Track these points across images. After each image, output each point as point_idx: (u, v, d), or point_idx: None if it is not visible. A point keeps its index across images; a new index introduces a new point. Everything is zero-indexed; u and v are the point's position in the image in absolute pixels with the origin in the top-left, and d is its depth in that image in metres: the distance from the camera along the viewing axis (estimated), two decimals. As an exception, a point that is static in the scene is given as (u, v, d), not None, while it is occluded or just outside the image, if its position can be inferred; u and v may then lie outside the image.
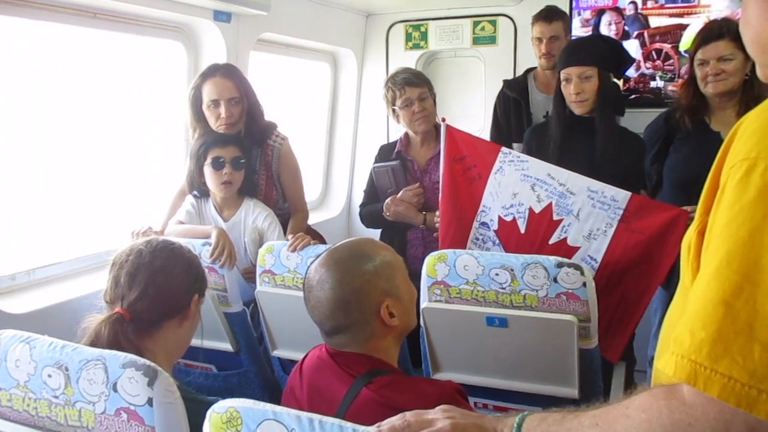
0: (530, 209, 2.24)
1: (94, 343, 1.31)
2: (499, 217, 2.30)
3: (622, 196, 2.13)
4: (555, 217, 2.21)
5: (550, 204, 2.21)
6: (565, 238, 2.20)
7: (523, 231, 2.26)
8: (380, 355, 1.37)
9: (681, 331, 0.72)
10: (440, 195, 2.38)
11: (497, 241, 2.31)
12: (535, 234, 2.24)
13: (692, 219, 2.04)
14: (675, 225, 2.08)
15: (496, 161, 2.30)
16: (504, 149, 2.33)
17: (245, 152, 2.49)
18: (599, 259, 2.15)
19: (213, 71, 2.52)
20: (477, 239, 2.35)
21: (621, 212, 2.12)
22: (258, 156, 2.65)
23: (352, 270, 1.36)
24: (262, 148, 2.66)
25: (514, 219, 2.27)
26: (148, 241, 1.49)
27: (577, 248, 2.19)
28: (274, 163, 2.67)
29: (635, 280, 2.14)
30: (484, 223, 2.34)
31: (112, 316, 1.37)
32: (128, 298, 1.40)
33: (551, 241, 2.22)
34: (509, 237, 2.29)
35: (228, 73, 2.52)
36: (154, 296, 1.40)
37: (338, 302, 1.34)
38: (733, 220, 0.72)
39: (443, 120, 2.42)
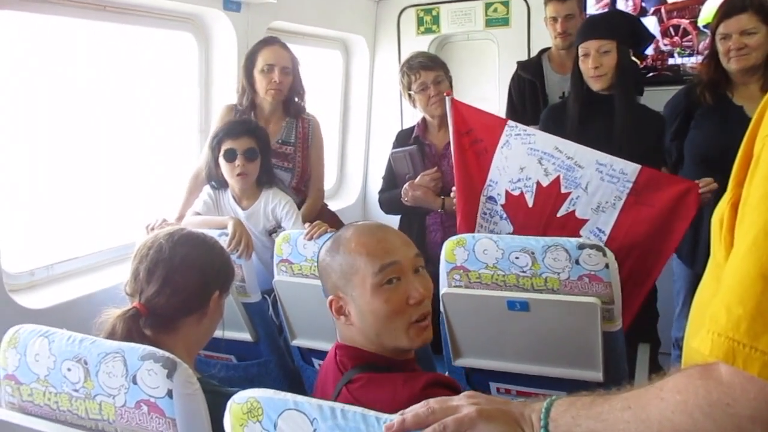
0: (538, 183, 2.22)
1: (109, 338, 1.30)
2: (507, 192, 2.29)
3: (632, 168, 2.10)
4: (563, 191, 2.19)
5: (558, 177, 2.19)
6: (574, 211, 2.19)
7: (530, 205, 2.25)
8: (365, 347, 1.27)
9: (717, 308, 0.69)
10: (454, 169, 2.37)
11: (504, 216, 2.31)
12: (543, 208, 2.23)
13: (705, 192, 2.03)
14: (685, 198, 2.06)
15: (502, 135, 2.28)
16: (510, 122, 2.31)
17: (261, 142, 2.49)
18: (608, 232, 2.14)
19: (272, 40, 2.71)
20: (485, 213, 2.34)
21: (630, 185, 2.10)
22: (293, 127, 2.78)
23: (323, 251, 1.33)
24: (297, 121, 2.78)
25: (522, 193, 2.26)
26: (171, 234, 1.44)
27: (585, 221, 2.17)
28: (310, 136, 2.80)
29: (644, 255, 2.12)
30: (491, 197, 2.33)
31: (128, 311, 1.35)
32: (146, 293, 1.38)
33: (559, 214, 2.21)
34: (517, 211, 2.28)
35: (285, 45, 2.71)
36: (171, 294, 1.38)
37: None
38: None
39: (447, 94, 2.39)
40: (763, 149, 0.72)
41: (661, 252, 2.09)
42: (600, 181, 2.13)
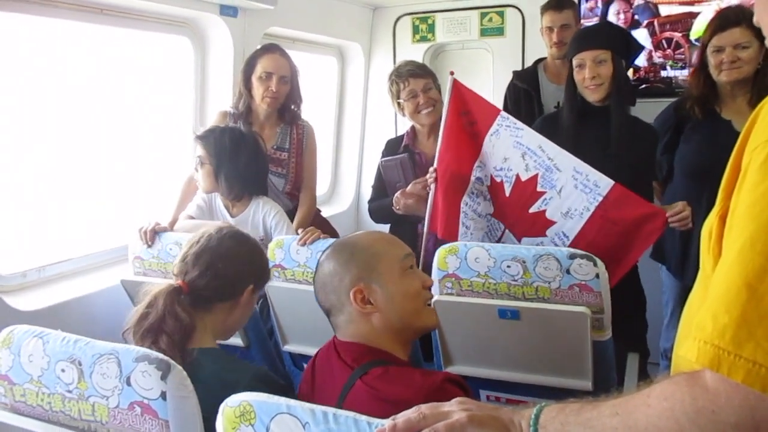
0: (517, 176, 2.26)
1: (150, 305, 1.46)
2: (491, 176, 2.33)
3: (605, 183, 2.13)
4: (539, 189, 2.23)
5: (536, 175, 2.23)
6: (544, 211, 2.22)
7: (507, 194, 2.29)
8: (377, 344, 1.35)
9: (703, 316, 0.71)
10: (438, 144, 2.37)
11: (488, 197, 2.35)
12: (518, 200, 2.27)
13: (675, 221, 2.06)
14: (650, 223, 2.09)
15: (494, 123, 2.32)
16: (503, 113, 2.34)
17: (210, 151, 2.43)
18: (571, 237, 2.17)
19: (273, 48, 2.71)
20: (473, 192, 2.36)
21: (600, 198, 2.13)
22: (288, 134, 2.79)
23: (333, 254, 1.42)
24: (292, 127, 2.80)
25: (501, 182, 2.30)
26: (220, 228, 1.63)
27: (553, 222, 2.21)
28: (304, 142, 2.81)
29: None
30: (479, 178, 2.36)
31: (172, 286, 1.51)
32: (190, 275, 1.54)
33: (531, 210, 2.24)
34: (496, 197, 2.33)
35: (285, 54, 2.72)
36: (212, 278, 1.53)
37: (318, 283, 1.43)
38: (756, 202, 0.70)
39: (451, 73, 2.41)
40: (750, 162, 0.73)
41: (614, 272, 2.06)
42: (573, 188, 2.17)
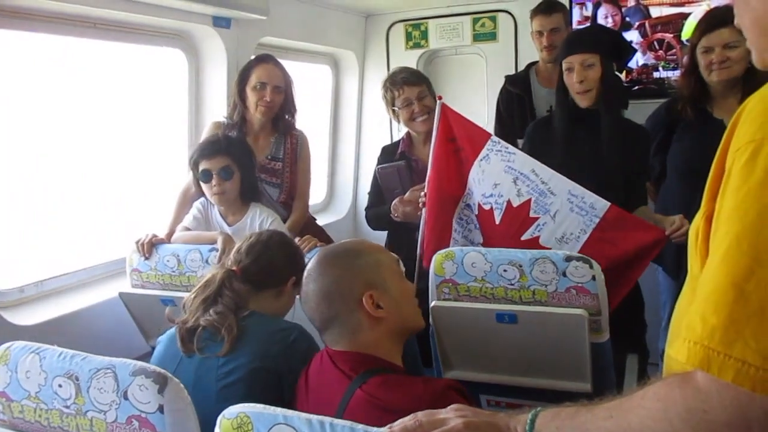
0: (508, 202, 2.24)
1: (208, 281, 1.70)
2: (479, 204, 2.31)
3: (601, 204, 2.12)
4: (531, 215, 2.21)
5: (529, 200, 2.20)
6: (538, 237, 2.20)
7: (497, 222, 2.27)
8: (377, 352, 1.35)
9: (692, 317, 0.71)
10: (429, 171, 2.36)
11: (477, 225, 2.33)
12: (509, 227, 2.24)
13: (676, 236, 2.05)
14: (647, 242, 2.08)
15: (483, 148, 2.30)
16: (494, 138, 2.32)
17: (237, 159, 2.45)
18: None
19: (267, 58, 2.75)
20: (461, 219, 2.36)
21: (597, 220, 2.12)
22: (282, 143, 2.81)
23: (334, 262, 1.41)
24: (286, 137, 2.81)
25: (491, 209, 2.28)
26: (270, 230, 2.00)
27: (547, 249, 2.17)
28: (298, 152, 2.83)
29: None
30: (468, 205, 2.35)
31: (227, 268, 1.75)
32: (243, 262, 1.77)
33: (524, 237, 2.22)
34: (485, 226, 2.31)
35: (279, 64, 2.76)
36: (262, 265, 1.76)
37: (321, 293, 1.39)
38: (741, 203, 0.71)
39: (440, 98, 2.41)
40: (734, 163, 0.74)
41: (614, 293, 2.05)
42: (569, 211, 2.15)
